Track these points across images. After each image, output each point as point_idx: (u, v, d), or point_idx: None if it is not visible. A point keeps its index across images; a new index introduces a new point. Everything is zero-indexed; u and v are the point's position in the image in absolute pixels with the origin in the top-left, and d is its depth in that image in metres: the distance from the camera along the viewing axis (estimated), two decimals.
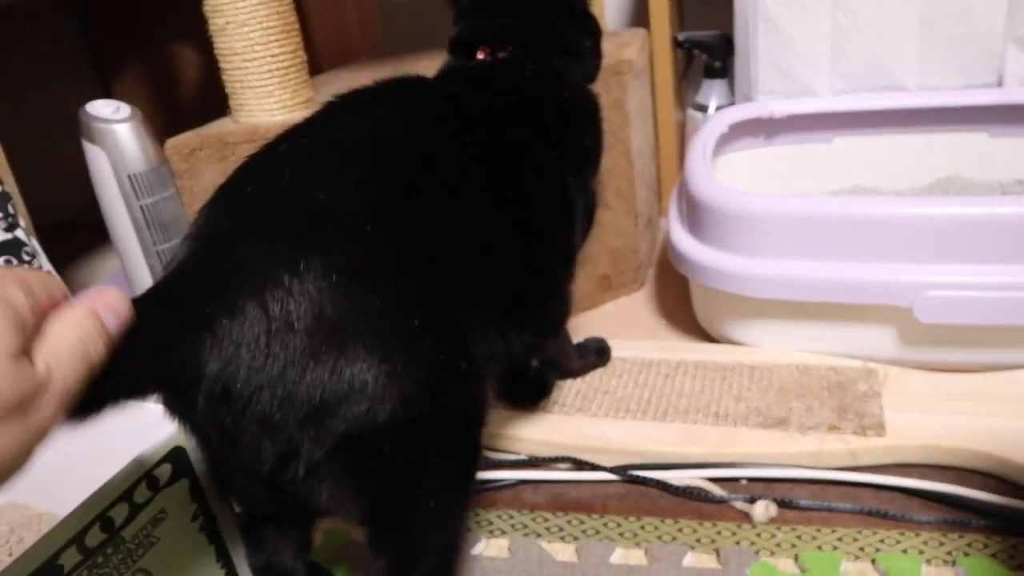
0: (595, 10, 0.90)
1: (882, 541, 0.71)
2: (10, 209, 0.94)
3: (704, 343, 1.03)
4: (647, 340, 1.06)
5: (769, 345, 0.96)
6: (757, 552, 0.71)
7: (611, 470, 0.82)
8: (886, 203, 0.90)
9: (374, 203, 0.57)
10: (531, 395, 0.92)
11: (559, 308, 0.79)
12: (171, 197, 0.95)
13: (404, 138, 0.63)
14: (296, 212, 0.55)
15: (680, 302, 1.13)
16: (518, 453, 0.87)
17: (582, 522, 0.78)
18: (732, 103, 1.37)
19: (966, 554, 0.68)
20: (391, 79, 0.71)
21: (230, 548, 0.69)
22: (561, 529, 0.77)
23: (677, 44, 1.36)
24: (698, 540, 0.74)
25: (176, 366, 0.49)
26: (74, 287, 1.12)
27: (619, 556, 0.74)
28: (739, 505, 0.76)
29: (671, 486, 0.79)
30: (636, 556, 0.74)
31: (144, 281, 0.99)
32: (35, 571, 0.52)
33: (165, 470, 0.62)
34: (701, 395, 0.90)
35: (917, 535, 0.71)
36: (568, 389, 0.94)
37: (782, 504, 0.75)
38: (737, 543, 0.73)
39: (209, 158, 0.98)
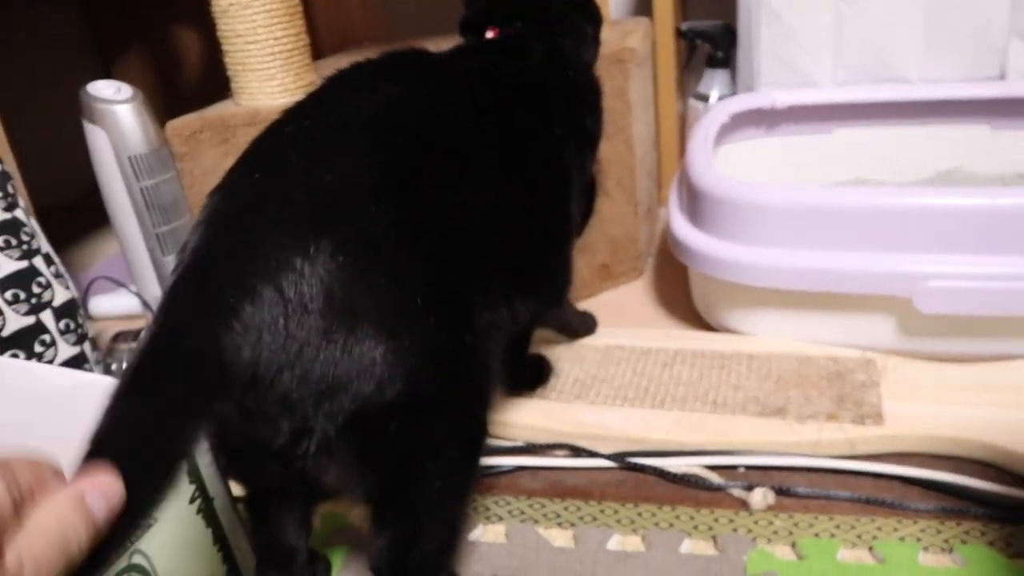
0: None
1: (879, 529, 0.71)
2: (9, 189, 0.94)
3: (703, 332, 1.03)
4: (646, 328, 1.06)
5: (768, 334, 0.96)
6: (754, 539, 0.72)
7: (609, 457, 0.82)
8: (887, 193, 0.90)
9: (379, 182, 0.57)
10: (529, 381, 0.92)
11: (565, 276, 0.80)
12: (171, 179, 0.95)
13: (408, 114, 0.64)
14: (304, 196, 0.55)
15: (679, 291, 1.13)
16: (516, 439, 0.87)
17: (579, 508, 0.78)
18: (734, 93, 1.36)
19: (963, 542, 0.68)
20: (393, 52, 0.71)
21: (226, 530, 0.69)
22: (558, 515, 0.77)
23: (680, 33, 1.36)
24: (695, 527, 0.74)
25: (214, 359, 0.50)
26: (73, 270, 1.12)
27: (616, 542, 0.74)
28: (737, 493, 0.76)
29: (669, 473, 0.80)
30: (633, 542, 0.74)
31: (143, 263, 0.99)
32: None
33: None
34: (699, 383, 0.90)
35: (915, 523, 0.71)
36: (566, 376, 0.94)
37: (780, 492, 0.75)
38: (734, 530, 0.73)
39: (210, 141, 0.97)
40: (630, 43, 1.08)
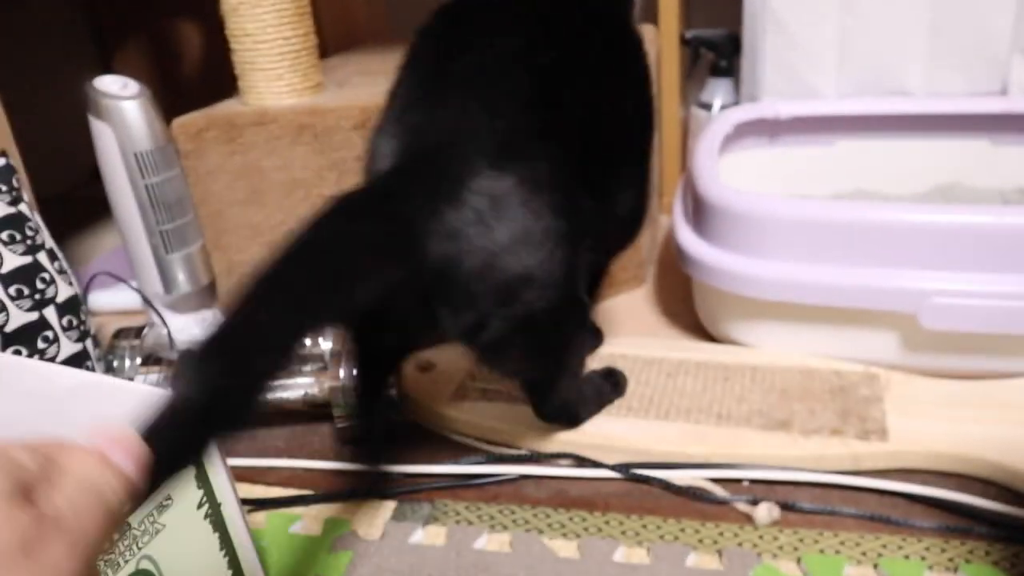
0: None
1: (884, 546, 0.71)
2: (14, 183, 0.93)
3: (706, 343, 1.03)
4: (648, 338, 1.06)
5: (772, 347, 0.97)
6: (760, 554, 0.72)
7: (613, 468, 0.82)
8: (894, 209, 0.91)
9: (536, 118, 0.69)
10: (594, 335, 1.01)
11: (644, 217, 0.88)
12: (177, 177, 0.94)
13: (540, 54, 0.72)
14: (489, 127, 0.67)
15: (681, 300, 1.13)
16: (520, 448, 0.87)
17: (584, 519, 0.78)
18: (736, 102, 1.37)
19: (968, 561, 0.69)
20: None
21: (233, 536, 0.68)
22: (563, 526, 0.78)
23: (684, 41, 1.36)
24: (700, 541, 0.74)
25: (410, 250, 0.62)
26: (73, 262, 1.11)
27: (622, 554, 0.74)
28: (741, 507, 0.77)
29: (674, 485, 0.80)
30: (639, 555, 0.74)
31: (145, 259, 0.98)
32: None
33: None
34: (703, 395, 0.90)
35: (919, 541, 0.71)
36: None
37: (785, 507, 0.76)
38: (739, 545, 0.73)
39: (216, 139, 0.97)
40: None
